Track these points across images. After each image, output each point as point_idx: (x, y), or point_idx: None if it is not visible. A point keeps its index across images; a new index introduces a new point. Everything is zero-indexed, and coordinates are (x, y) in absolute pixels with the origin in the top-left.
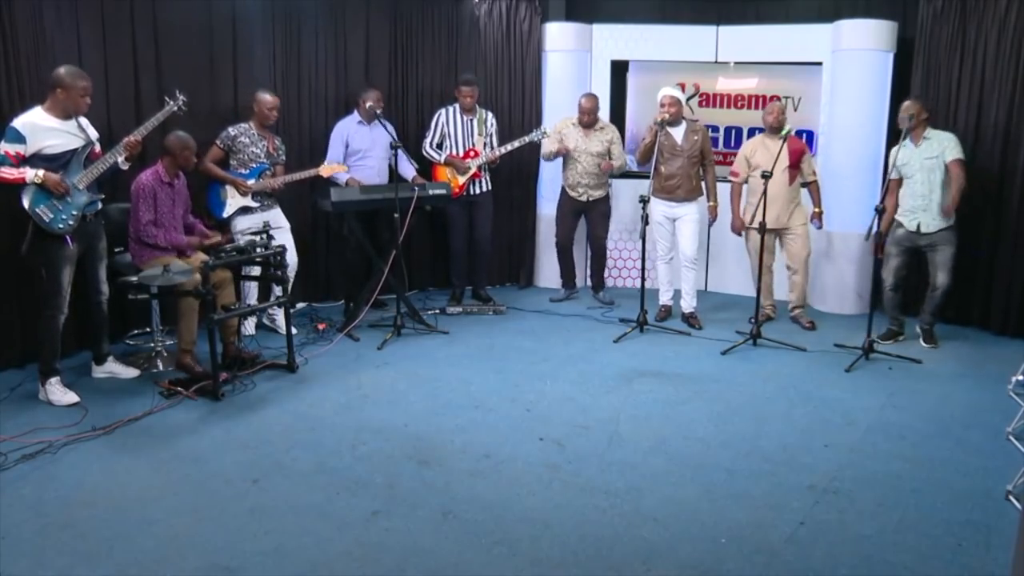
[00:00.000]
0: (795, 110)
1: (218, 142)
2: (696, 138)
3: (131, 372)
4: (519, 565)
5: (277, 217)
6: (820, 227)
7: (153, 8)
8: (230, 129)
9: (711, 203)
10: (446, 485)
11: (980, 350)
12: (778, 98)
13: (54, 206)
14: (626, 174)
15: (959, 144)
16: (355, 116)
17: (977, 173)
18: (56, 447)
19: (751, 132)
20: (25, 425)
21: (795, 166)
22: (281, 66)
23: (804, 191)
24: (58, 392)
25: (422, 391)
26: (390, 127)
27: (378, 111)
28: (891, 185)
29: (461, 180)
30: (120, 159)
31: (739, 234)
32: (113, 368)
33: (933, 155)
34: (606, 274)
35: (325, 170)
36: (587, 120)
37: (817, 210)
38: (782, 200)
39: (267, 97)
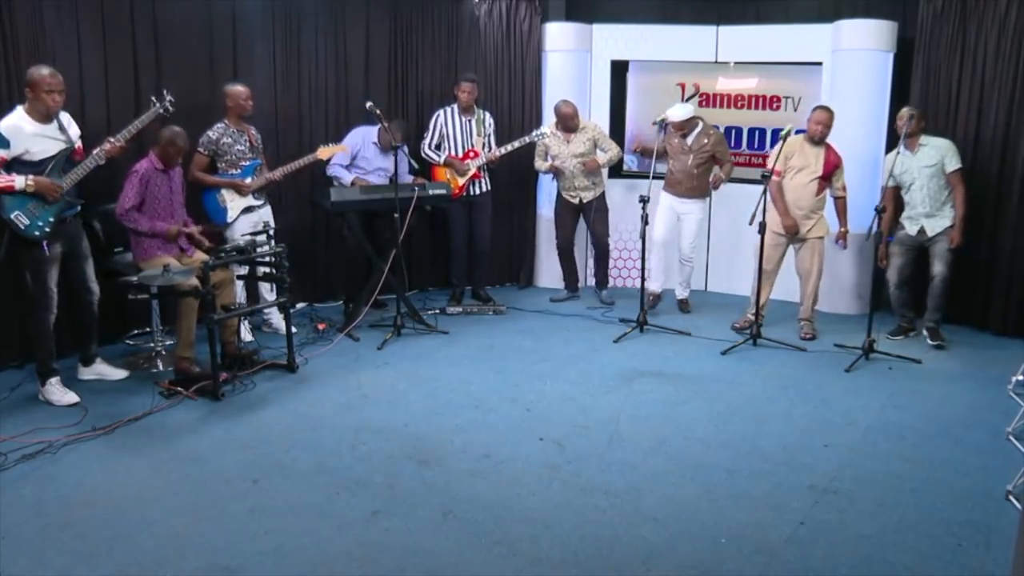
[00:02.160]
0: (795, 110)
1: (200, 149)
2: (706, 141)
3: (119, 373)
4: (519, 565)
5: (267, 215)
6: (844, 247)
7: (153, 8)
8: (209, 133)
9: (720, 175)
10: (446, 485)
11: (980, 350)
12: (778, 106)
13: (30, 212)
14: (625, 174)
15: (957, 152)
16: (374, 135)
17: (977, 173)
18: (56, 447)
19: (751, 132)
20: (25, 425)
21: (826, 178)
22: (281, 65)
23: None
24: (57, 392)
25: (422, 391)
26: (406, 157)
27: (396, 144)
28: (888, 193)
29: (461, 181)
30: (101, 163)
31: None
32: (101, 370)
33: (932, 163)
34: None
35: (323, 152)
36: (571, 124)
37: (843, 229)
38: (805, 209)
39: (239, 88)
